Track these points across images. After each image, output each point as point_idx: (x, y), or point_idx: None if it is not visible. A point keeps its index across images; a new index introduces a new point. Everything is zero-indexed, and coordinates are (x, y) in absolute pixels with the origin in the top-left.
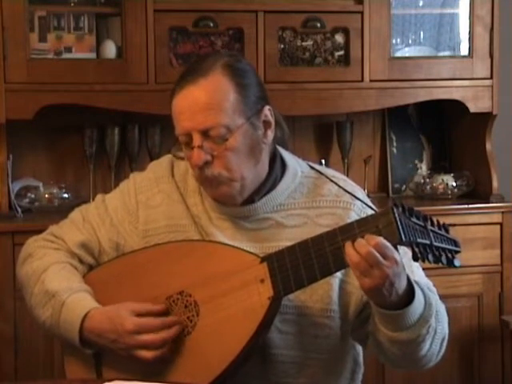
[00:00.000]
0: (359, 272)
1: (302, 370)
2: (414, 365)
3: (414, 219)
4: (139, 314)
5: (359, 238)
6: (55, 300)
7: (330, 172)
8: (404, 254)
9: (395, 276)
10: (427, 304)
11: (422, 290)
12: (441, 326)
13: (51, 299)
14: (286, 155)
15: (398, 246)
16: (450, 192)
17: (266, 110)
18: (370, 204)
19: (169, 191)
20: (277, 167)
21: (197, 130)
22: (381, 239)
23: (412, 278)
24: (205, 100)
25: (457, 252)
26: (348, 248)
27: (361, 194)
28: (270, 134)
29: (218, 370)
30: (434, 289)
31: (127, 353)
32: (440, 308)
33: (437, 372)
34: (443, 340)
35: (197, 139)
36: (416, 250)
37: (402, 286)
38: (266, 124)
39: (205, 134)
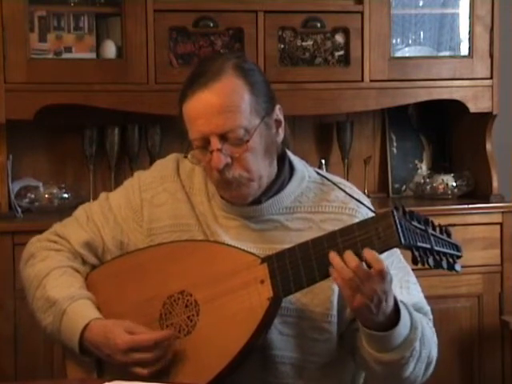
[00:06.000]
0: (350, 289)
1: (302, 372)
2: None
3: (415, 223)
4: (134, 334)
5: (347, 251)
6: (56, 308)
7: (336, 179)
8: (400, 269)
9: (384, 293)
10: (413, 327)
11: (410, 313)
12: (426, 350)
13: (52, 306)
14: (295, 159)
15: (396, 263)
16: (450, 192)
17: (277, 108)
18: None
19: (174, 190)
20: (285, 170)
21: (215, 134)
22: (382, 262)
23: (406, 296)
24: (221, 103)
25: (458, 257)
26: (336, 261)
27: (366, 202)
28: (281, 132)
29: (217, 369)
30: (428, 308)
31: (124, 367)
32: (428, 332)
33: (437, 372)
34: (429, 364)
35: (215, 143)
36: (416, 253)
37: (389, 305)
38: (278, 123)
39: (223, 136)
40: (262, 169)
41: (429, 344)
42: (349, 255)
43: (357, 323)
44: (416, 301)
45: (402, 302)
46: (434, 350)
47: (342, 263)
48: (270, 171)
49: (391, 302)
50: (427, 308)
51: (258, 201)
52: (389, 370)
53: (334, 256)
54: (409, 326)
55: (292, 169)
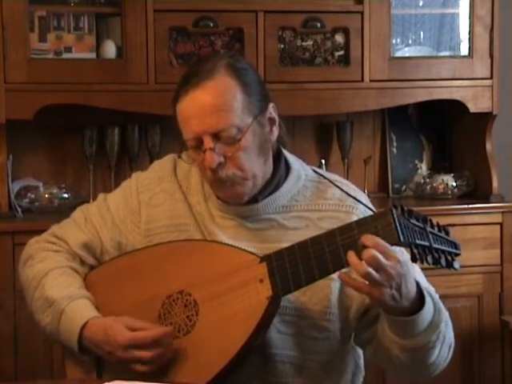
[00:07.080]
0: (370, 283)
1: (301, 371)
2: (422, 372)
3: (414, 221)
4: (134, 329)
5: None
6: (54, 307)
7: (333, 177)
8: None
9: (400, 277)
10: (436, 309)
11: (432, 296)
12: (449, 332)
13: (51, 306)
14: (291, 158)
15: (399, 253)
16: (450, 192)
17: (271, 107)
18: (373, 208)
19: (171, 190)
20: (281, 168)
21: (208, 133)
22: (379, 239)
23: None
24: (213, 102)
25: (457, 255)
26: (353, 259)
27: (364, 199)
28: (275, 130)
29: (217, 368)
30: (437, 296)
31: (124, 365)
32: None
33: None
34: (450, 347)
35: (208, 142)
36: (415, 251)
37: (410, 289)
38: (271, 121)
39: (216, 136)
40: (256, 167)
41: (450, 326)
42: (364, 252)
43: (371, 315)
44: (424, 286)
45: (425, 288)
46: (452, 333)
47: (358, 260)
48: (265, 170)
49: (412, 286)
50: (436, 295)
51: (254, 200)
52: (415, 357)
53: (351, 254)
54: (433, 308)
55: (288, 168)
